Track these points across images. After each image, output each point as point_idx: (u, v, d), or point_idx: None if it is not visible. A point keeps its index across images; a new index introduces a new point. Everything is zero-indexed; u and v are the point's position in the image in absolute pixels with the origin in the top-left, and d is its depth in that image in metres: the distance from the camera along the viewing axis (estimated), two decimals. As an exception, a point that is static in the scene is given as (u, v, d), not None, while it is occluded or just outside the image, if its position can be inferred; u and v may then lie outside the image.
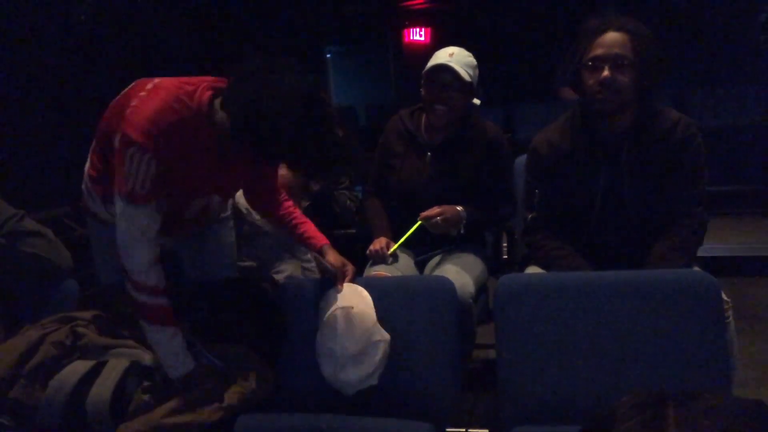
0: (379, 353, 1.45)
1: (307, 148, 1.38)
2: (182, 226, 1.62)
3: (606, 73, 1.61)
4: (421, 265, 2.12)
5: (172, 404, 1.32)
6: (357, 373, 1.44)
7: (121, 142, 1.34)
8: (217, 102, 1.42)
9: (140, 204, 1.35)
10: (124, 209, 1.36)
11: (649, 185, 1.69)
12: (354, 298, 1.55)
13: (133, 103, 1.38)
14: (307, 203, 2.46)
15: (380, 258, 1.99)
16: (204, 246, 1.83)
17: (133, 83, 1.49)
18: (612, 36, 1.64)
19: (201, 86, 1.43)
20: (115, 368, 1.38)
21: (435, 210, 1.96)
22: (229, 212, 1.94)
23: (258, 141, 1.36)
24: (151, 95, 1.39)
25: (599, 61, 1.63)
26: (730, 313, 1.55)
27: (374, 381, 1.46)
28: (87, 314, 1.49)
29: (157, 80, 1.44)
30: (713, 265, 1.82)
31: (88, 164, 1.62)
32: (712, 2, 6.05)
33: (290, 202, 1.77)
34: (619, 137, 1.69)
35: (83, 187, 1.64)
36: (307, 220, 1.78)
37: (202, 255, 1.83)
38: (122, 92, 1.50)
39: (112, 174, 1.41)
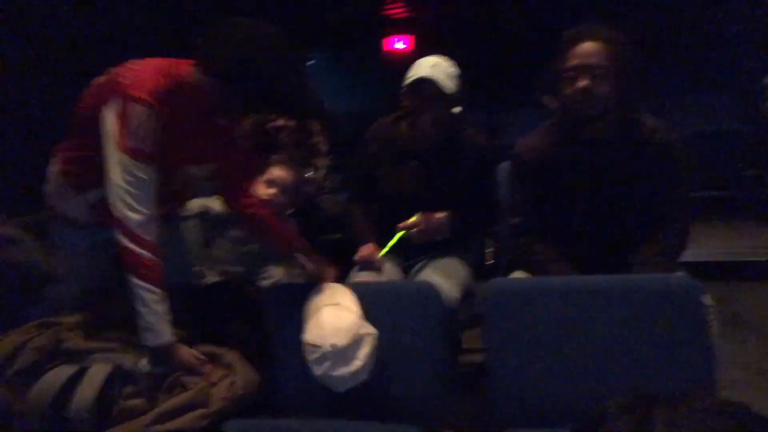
0: (367, 347, 1.45)
1: (287, 83, 1.46)
2: (167, 198, 1.64)
3: (583, 83, 1.63)
4: (406, 271, 2.13)
5: (157, 411, 1.31)
6: (346, 369, 1.43)
7: (125, 102, 1.39)
8: (196, 70, 1.50)
9: (143, 161, 1.40)
10: (125, 164, 1.39)
11: (631, 191, 1.71)
12: (338, 296, 1.56)
13: (128, 74, 1.44)
14: (292, 209, 2.45)
15: (370, 265, 1.99)
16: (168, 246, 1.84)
17: (113, 68, 1.54)
18: (587, 46, 1.65)
19: (180, 61, 1.52)
20: (98, 373, 1.36)
21: (411, 221, 1.97)
22: (193, 213, 1.96)
23: (246, 82, 1.44)
24: (143, 67, 1.47)
25: (576, 71, 1.65)
26: (713, 316, 1.58)
27: (364, 376, 1.46)
28: (72, 318, 1.47)
29: (140, 60, 1.52)
30: (698, 269, 1.85)
31: (56, 165, 1.63)
32: (684, 14, 6.17)
33: (266, 209, 1.80)
34: (601, 144, 1.72)
35: (49, 190, 1.64)
36: (283, 223, 1.80)
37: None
38: (100, 78, 1.55)
39: (92, 164, 1.45)
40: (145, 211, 1.40)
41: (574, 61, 1.65)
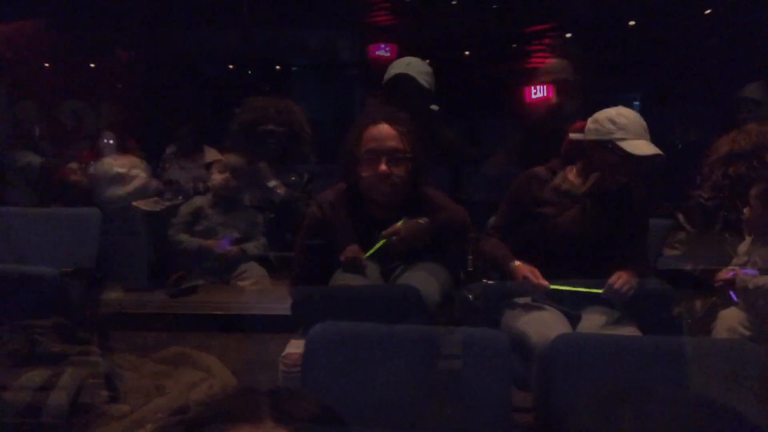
0: None
1: None
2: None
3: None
4: (387, 275, 2.12)
5: (134, 416, 1.30)
6: None
7: None
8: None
9: None
10: None
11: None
12: None
13: None
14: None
15: (354, 265, 1.99)
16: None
17: None
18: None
19: None
20: (73, 377, 1.34)
21: (392, 229, 1.98)
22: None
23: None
24: None
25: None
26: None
27: None
28: (47, 322, 1.45)
29: None
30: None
31: None
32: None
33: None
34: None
35: None
36: None
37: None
38: None
39: None
40: None
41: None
